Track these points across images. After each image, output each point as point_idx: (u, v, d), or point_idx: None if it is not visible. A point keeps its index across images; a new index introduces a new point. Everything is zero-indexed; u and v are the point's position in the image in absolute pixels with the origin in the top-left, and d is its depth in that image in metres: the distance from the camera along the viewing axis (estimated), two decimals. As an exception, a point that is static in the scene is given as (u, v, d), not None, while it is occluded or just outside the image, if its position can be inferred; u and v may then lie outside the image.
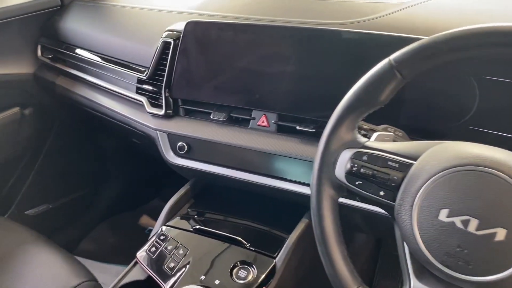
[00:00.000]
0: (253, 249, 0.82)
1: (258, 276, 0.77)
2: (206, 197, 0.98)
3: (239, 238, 0.83)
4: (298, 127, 0.82)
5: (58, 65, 1.23)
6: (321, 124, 0.81)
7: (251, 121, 0.88)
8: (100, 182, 1.57)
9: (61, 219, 1.47)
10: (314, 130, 0.80)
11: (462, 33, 0.50)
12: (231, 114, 0.90)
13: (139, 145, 1.24)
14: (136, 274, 0.83)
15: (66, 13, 1.25)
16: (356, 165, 0.56)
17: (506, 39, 0.48)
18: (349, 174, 0.56)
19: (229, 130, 0.90)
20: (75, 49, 1.19)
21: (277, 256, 0.80)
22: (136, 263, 0.85)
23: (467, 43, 0.50)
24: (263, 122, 0.87)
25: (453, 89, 0.72)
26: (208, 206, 0.95)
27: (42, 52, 1.27)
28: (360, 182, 0.56)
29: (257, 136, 0.87)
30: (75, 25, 1.21)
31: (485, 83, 0.69)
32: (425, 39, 0.52)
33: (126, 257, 1.47)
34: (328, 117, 0.80)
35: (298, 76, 0.82)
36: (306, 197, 0.82)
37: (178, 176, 1.04)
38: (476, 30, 0.49)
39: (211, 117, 0.91)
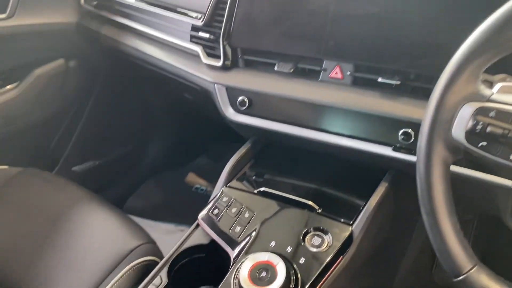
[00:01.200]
0: (326, 214, 0.74)
1: (334, 245, 0.69)
2: (269, 157, 0.90)
3: (310, 203, 0.76)
4: (380, 79, 0.71)
5: (103, 13, 1.15)
6: (406, 76, 0.71)
7: (322, 72, 0.78)
8: (146, 138, 1.52)
9: (108, 176, 1.44)
10: (399, 83, 0.70)
11: None
12: (299, 65, 0.80)
13: (189, 100, 1.16)
14: (198, 238, 0.77)
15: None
16: (480, 123, 0.46)
17: None
18: (471, 134, 0.47)
19: (297, 83, 0.80)
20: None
21: (353, 223, 0.72)
22: (197, 225, 0.79)
23: None
24: (336, 73, 0.77)
25: None
26: (271, 168, 0.87)
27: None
28: (485, 144, 0.46)
29: (329, 89, 0.77)
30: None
31: None
32: None
33: (174, 215, 1.45)
34: (418, 67, 0.69)
35: (383, 17, 0.70)
36: (386, 159, 0.73)
37: (228, 133, 0.96)
38: None
39: (276, 68, 0.81)
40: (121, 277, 0.75)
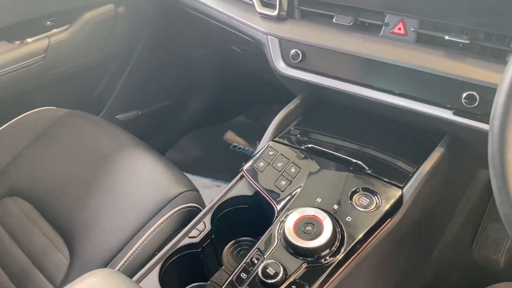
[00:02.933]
0: (376, 175, 0.72)
1: (382, 206, 0.67)
2: (318, 115, 0.87)
3: (360, 163, 0.73)
4: (447, 37, 0.67)
5: (155, -42, 1.12)
6: (474, 34, 0.66)
7: (383, 27, 0.74)
8: (188, 94, 1.52)
9: (149, 127, 1.45)
10: (468, 42, 0.65)
11: None
12: (359, 18, 0.76)
13: (236, 55, 1.13)
14: (242, 189, 0.76)
15: None
16: None
17: None
18: None
19: (355, 37, 0.76)
20: None
21: (404, 186, 0.69)
22: (242, 177, 0.78)
23: None
24: (399, 29, 0.73)
25: None
26: (320, 125, 0.84)
27: None
28: None
29: (391, 46, 0.73)
30: None
31: None
32: None
33: (211, 170, 1.46)
34: (490, 25, 0.64)
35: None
36: (446, 123, 0.69)
37: (269, 94, 0.94)
38: None
39: (334, 20, 0.78)
40: (165, 220, 0.76)
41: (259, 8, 0.86)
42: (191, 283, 0.74)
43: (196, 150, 1.54)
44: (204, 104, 1.55)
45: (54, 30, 1.11)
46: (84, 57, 1.19)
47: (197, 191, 0.84)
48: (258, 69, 0.96)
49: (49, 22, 1.11)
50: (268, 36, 0.85)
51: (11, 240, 0.84)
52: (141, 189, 0.83)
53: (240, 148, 1.53)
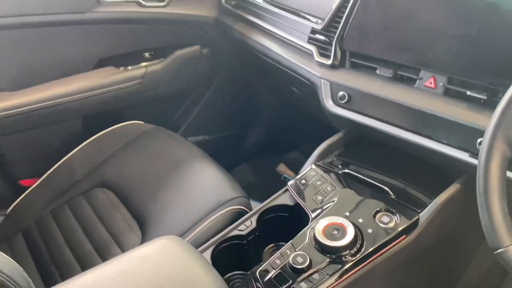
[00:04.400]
0: (398, 200, 0.85)
1: (400, 224, 0.80)
2: (356, 148, 1.03)
3: (386, 188, 0.88)
4: (468, 93, 0.81)
5: (238, 11, 1.37)
6: (494, 92, 0.79)
7: (417, 80, 0.89)
8: (250, 125, 1.72)
9: (214, 151, 1.66)
10: (486, 98, 0.79)
11: None
12: (398, 72, 0.92)
13: (295, 94, 1.33)
14: (285, 199, 0.93)
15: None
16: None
17: None
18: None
19: (394, 87, 0.92)
20: (257, -1, 1.31)
21: (421, 211, 0.82)
22: (286, 190, 0.95)
23: None
24: (430, 83, 0.88)
25: None
26: (356, 156, 1.00)
27: (226, -1, 1.42)
28: (540, 143, 0.56)
29: (423, 96, 0.88)
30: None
31: None
32: None
33: (261, 195, 1.62)
34: (504, 85, 0.78)
35: (475, 38, 0.80)
36: (463, 163, 0.82)
37: (321, 133, 1.09)
38: None
39: (377, 72, 0.95)
40: (219, 215, 0.94)
41: (316, 57, 1.05)
42: (235, 270, 0.89)
43: (251, 177, 1.72)
44: (263, 137, 1.74)
45: (151, 62, 1.38)
46: (172, 85, 1.44)
47: (248, 198, 1.01)
48: (312, 107, 1.13)
49: (148, 55, 1.38)
50: (322, 80, 1.03)
51: (98, 220, 1.06)
52: (203, 192, 1.02)
53: (289, 179, 1.69)
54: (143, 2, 1.29)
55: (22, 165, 1.28)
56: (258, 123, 1.76)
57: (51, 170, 1.17)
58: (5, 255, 0.62)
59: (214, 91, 1.56)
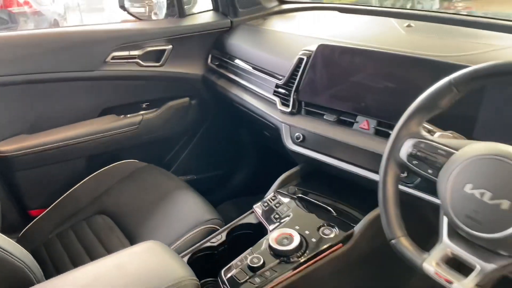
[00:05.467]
0: (338, 217, 1.07)
1: (338, 236, 1.01)
2: (310, 178, 1.25)
3: (329, 208, 1.09)
4: (391, 132, 1.05)
5: (221, 70, 1.64)
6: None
7: (355, 123, 1.13)
8: (235, 167, 1.95)
9: (200, 190, 1.87)
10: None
11: (495, 64, 0.71)
12: (340, 117, 1.17)
13: (268, 138, 1.57)
14: (250, 219, 1.14)
15: (233, 33, 1.67)
16: (415, 150, 0.79)
17: None
18: (410, 155, 0.79)
19: (337, 129, 1.16)
20: (235, 59, 1.59)
21: (356, 225, 1.03)
22: (252, 212, 1.16)
23: (503, 71, 0.71)
24: (364, 125, 1.12)
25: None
26: (309, 184, 1.22)
27: (211, 60, 1.70)
28: (416, 162, 0.78)
29: (359, 136, 1.11)
30: (238, 42, 1.62)
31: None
32: (473, 66, 0.74)
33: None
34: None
35: (394, 91, 1.05)
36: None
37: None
38: (506, 63, 0.70)
39: (324, 117, 1.19)
40: (195, 233, 1.15)
41: (279, 106, 1.30)
42: (209, 278, 1.08)
43: (234, 213, 1.91)
44: (246, 177, 1.96)
45: (147, 111, 1.63)
46: (164, 130, 1.69)
47: (222, 220, 1.22)
48: (279, 147, 1.36)
49: (144, 105, 1.64)
50: (283, 124, 1.28)
51: (98, 241, 1.26)
52: (185, 215, 1.23)
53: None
54: (142, 63, 1.56)
55: (33, 197, 1.50)
56: (243, 165, 1.98)
57: (59, 200, 1.38)
58: (25, 250, 0.83)
59: (202, 136, 1.81)
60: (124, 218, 1.30)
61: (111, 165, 1.48)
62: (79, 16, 6.92)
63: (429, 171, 0.77)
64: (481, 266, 0.69)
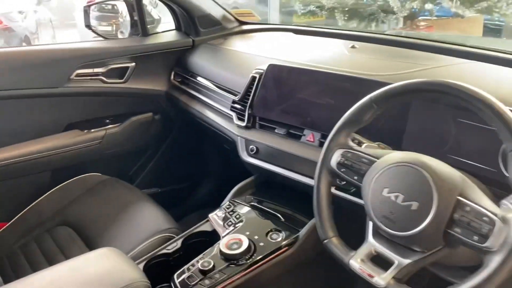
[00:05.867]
0: (285, 222, 1.15)
1: (285, 239, 1.09)
2: (263, 187, 1.34)
3: (278, 214, 1.18)
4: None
5: (183, 87, 1.72)
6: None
7: (302, 136, 1.23)
8: (198, 180, 2.02)
9: (164, 203, 1.93)
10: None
11: (413, 84, 0.82)
12: (290, 131, 1.26)
13: (228, 151, 1.65)
14: (206, 227, 1.21)
15: (195, 51, 1.75)
16: (343, 159, 0.88)
17: (432, 87, 0.78)
18: (339, 164, 0.89)
19: (287, 141, 1.25)
20: (197, 76, 1.67)
21: (301, 230, 1.12)
22: (207, 220, 1.23)
23: (412, 89, 0.81)
24: (310, 138, 1.22)
25: (438, 126, 0.99)
26: (262, 193, 1.31)
27: (174, 77, 1.78)
28: (344, 170, 0.88)
29: (305, 148, 1.20)
30: (199, 60, 1.71)
31: (460, 124, 0.95)
32: (390, 85, 0.84)
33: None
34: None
35: (334, 106, 1.15)
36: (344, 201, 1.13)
37: None
38: (415, 82, 0.81)
39: (276, 131, 1.28)
40: (152, 241, 1.21)
41: (235, 121, 1.39)
42: (165, 283, 1.14)
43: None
44: (207, 190, 2.03)
45: (110, 126, 1.69)
46: (127, 145, 1.75)
47: (179, 229, 1.29)
48: (236, 159, 1.44)
49: (107, 121, 1.70)
50: (239, 137, 1.36)
51: (60, 252, 1.30)
52: (144, 225, 1.29)
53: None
54: (106, 79, 1.63)
55: (-4, 211, 1.53)
56: (206, 178, 2.05)
57: (22, 212, 1.42)
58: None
59: (165, 150, 1.87)
60: (86, 229, 1.35)
61: (74, 178, 1.52)
62: (51, 32, 6.91)
63: (355, 177, 0.86)
64: (398, 261, 0.78)
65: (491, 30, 6.14)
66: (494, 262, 0.66)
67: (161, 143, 1.87)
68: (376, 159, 0.84)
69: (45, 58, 1.53)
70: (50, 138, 1.57)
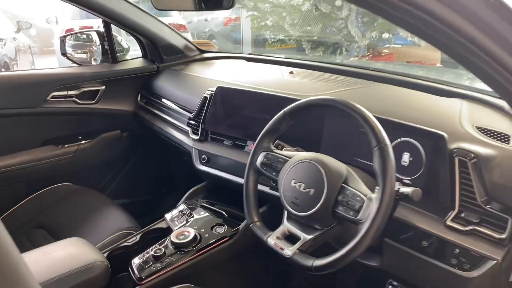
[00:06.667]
0: (229, 218, 1.37)
1: (227, 232, 1.31)
2: (212, 191, 1.56)
3: (223, 212, 1.39)
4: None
5: (148, 107, 1.95)
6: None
7: (245, 147, 1.46)
8: (164, 191, 2.21)
9: (133, 212, 2.11)
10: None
11: (312, 100, 1.07)
12: (235, 142, 1.49)
13: (187, 163, 1.86)
14: (161, 225, 1.42)
15: (159, 76, 1.99)
16: (265, 159, 1.11)
17: (325, 103, 1.03)
18: (262, 164, 1.12)
19: (233, 151, 1.48)
20: (161, 98, 1.90)
21: (241, 224, 1.33)
22: (163, 219, 1.44)
23: (313, 104, 1.06)
24: (252, 147, 1.44)
25: (345, 135, 1.23)
26: (212, 196, 1.53)
27: (140, 98, 2.00)
28: (266, 168, 1.11)
29: (248, 156, 1.43)
30: (163, 83, 1.94)
31: (360, 132, 1.19)
32: (299, 101, 1.09)
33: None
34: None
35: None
36: (269, 196, 1.35)
37: None
38: (314, 99, 1.05)
39: (224, 142, 1.51)
40: (115, 236, 1.40)
41: (191, 135, 1.61)
42: (125, 272, 1.33)
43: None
44: (175, 199, 2.22)
45: (82, 142, 1.89)
46: (98, 159, 1.95)
47: (139, 227, 1.48)
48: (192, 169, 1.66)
49: (80, 137, 1.90)
50: (193, 149, 1.59)
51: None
52: (109, 225, 1.48)
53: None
54: (78, 101, 1.84)
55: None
56: (172, 189, 2.25)
57: (1, 217, 1.60)
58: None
59: (133, 163, 2.08)
60: (58, 230, 1.53)
61: (49, 187, 1.71)
62: (30, 59, 7.07)
63: (273, 174, 1.09)
64: (303, 237, 1.01)
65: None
66: (362, 229, 0.89)
67: (129, 157, 2.07)
68: (288, 158, 1.08)
69: (24, 81, 1.74)
70: (27, 152, 1.76)
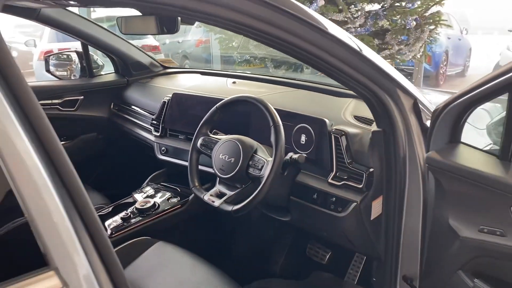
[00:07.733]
0: (182, 191, 1.77)
1: (179, 201, 1.71)
2: (170, 175, 1.96)
3: (177, 189, 1.80)
4: (211, 141, 1.80)
5: (120, 113, 2.34)
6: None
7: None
8: (136, 184, 2.58)
9: (106, 195, 2.47)
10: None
11: (235, 97, 1.50)
12: (188, 136, 1.90)
13: (150, 156, 2.26)
14: (129, 200, 1.81)
15: (129, 88, 2.39)
16: (203, 141, 1.53)
17: (242, 99, 1.46)
18: (201, 145, 1.53)
19: (185, 143, 1.89)
20: (131, 105, 2.30)
21: (191, 195, 1.74)
22: (131, 196, 1.83)
23: (234, 100, 1.49)
24: (200, 140, 1.87)
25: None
26: (169, 179, 1.93)
27: (113, 106, 2.40)
28: (204, 148, 1.53)
29: (196, 146, 1.85)
30: (131, 93, 2.34)
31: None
32: (226, 98, 1.52)
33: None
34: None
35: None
36: (212, 175, 1.76)
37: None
38: (235, 96, 1.49)
39: (179, 137, 1.92)
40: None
41: (153, 132, 2.02)
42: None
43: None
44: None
45: (63, 142, 2.27)
46: (77, 157, 2.32)
47: (110, 203, 1.86)
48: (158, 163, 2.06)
49: (62, 139, 2.27)
50: (155, 143, 1.99)
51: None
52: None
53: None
54: (61, 108, 2.22)
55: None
56: (140, 176, 2.62)
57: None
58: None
59: (108, 161, 2.46)
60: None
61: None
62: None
63: (208, 151, 1.51)
64: (228, 193, 1.42)
65: (409, 74, 7.22)
66: (262, 180, 1.31)
67: (105, 156, 2.45)
68: (219, 140, 1.50)
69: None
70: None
